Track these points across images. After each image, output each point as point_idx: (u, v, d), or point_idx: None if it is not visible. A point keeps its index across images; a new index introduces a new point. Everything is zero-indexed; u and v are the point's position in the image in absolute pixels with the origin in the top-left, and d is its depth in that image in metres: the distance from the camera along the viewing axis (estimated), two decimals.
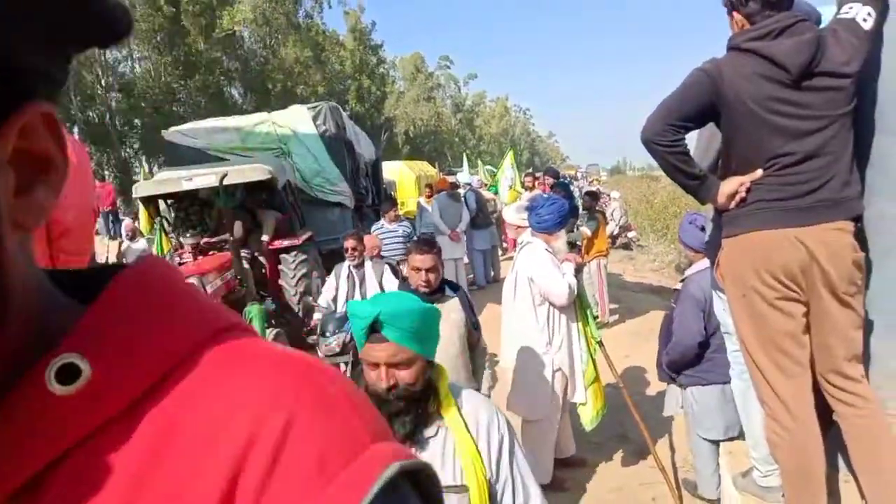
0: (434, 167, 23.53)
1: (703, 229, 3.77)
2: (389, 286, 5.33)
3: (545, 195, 5.78)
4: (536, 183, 11.47)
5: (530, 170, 14.13)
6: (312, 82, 35.49)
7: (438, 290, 3.22)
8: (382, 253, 7.06)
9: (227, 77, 32.18)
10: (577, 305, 4.20)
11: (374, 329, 1.70)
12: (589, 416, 4.23)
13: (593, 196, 9.55)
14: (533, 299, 4.07)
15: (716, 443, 3.80)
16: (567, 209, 4.35)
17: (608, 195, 17.08)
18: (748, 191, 2.19)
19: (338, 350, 4.87)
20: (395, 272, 5.60)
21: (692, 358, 3.80)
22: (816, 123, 2.10)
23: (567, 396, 4.29)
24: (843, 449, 2.41)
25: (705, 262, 3.77)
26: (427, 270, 3.15)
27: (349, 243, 5.44)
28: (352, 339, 4.89)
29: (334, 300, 5.49)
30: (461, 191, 11.34)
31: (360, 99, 40.43)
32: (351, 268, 5.47)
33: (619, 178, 60.19)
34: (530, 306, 4.08)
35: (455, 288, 3.35)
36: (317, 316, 5.54)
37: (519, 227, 4.49)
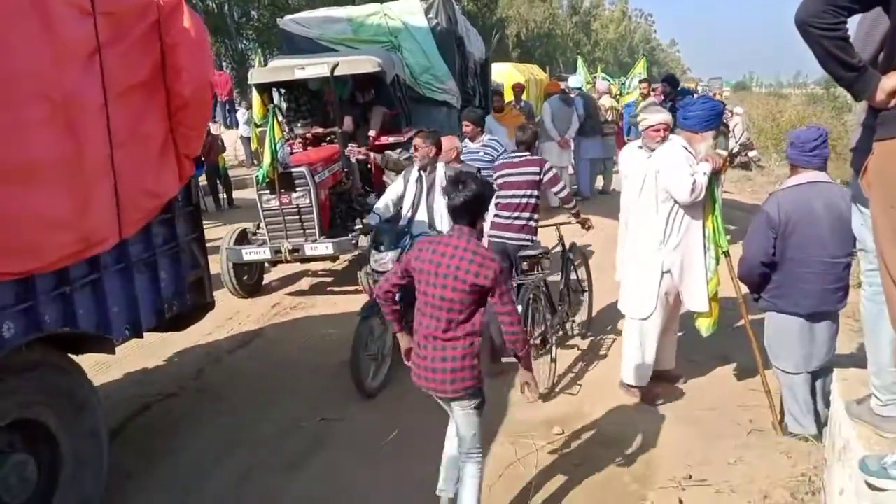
0: (545, 71, 22.68)
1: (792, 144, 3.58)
2: None
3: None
4: (651, 90, 10.76)
5: (646, 78, 13.30)
6: None
7: None
8: None
9: None
10: (711, 211, 4.00)
11: None
12: (706, 324, 4.15)
13: None
14: (657, 195, 3.94)
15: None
16: (719, 111, 4.11)
17: (731, 110, 15.98)
18: None
19: (391, 267, 4.38)
20: None
21: (758, 278, 3.69)
22: None
23: (681, 302, 4.20)
24: None
25: (796, 179, 3.56)
26: None
27: (415, 141, 4.77)
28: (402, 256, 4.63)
29: (396, 205, 4.92)
30: (571, 95, 10.83)
31: None
32: (421, 171, 4.80)
33: (743, 94, 55.84)
34: (653, 202, 3.97)
35: None
36: (369, 218, 4.96)
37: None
